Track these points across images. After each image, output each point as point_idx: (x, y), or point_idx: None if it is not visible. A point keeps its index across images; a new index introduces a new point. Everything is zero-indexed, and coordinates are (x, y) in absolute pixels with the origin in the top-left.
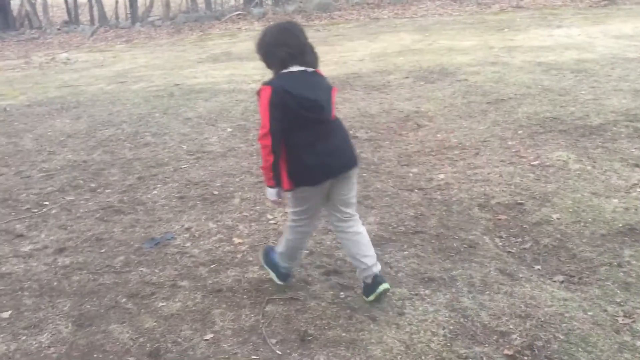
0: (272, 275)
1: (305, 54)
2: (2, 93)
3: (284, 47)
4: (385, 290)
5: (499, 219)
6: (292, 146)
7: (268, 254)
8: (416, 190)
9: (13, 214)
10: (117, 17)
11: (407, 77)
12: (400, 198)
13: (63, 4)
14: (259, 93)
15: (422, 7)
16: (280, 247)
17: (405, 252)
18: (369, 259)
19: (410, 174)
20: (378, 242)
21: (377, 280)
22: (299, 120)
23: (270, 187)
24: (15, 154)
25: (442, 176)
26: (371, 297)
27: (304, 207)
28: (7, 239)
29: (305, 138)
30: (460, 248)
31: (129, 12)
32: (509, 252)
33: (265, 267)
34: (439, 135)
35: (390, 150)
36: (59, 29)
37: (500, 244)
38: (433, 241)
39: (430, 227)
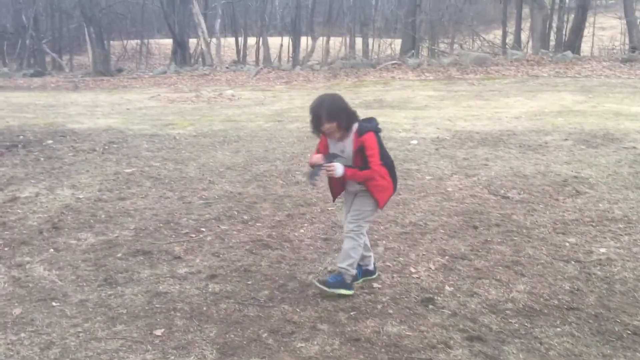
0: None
1: None
2: (174, 122)
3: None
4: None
5: None
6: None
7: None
8: (573, 262)
9: (173, 236)
10: (279, 60)
11: (566, 139)
12: (554, 268)
13: (234, 45)
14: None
15: (587, 67)
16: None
17: (558, 329)
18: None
19: (567, 244)
20: (528, 313)
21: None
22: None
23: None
24: (180, 179)
25: (603, 250)
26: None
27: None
28: (166, 260)
29: (391, 164)
30: (622, 333)
31: (291, 56)
32: None
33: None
34: (600, 205)
35: (545, 216)
36: (227, 67)
37: None
38: (591, 321)
39: (588, 304)
